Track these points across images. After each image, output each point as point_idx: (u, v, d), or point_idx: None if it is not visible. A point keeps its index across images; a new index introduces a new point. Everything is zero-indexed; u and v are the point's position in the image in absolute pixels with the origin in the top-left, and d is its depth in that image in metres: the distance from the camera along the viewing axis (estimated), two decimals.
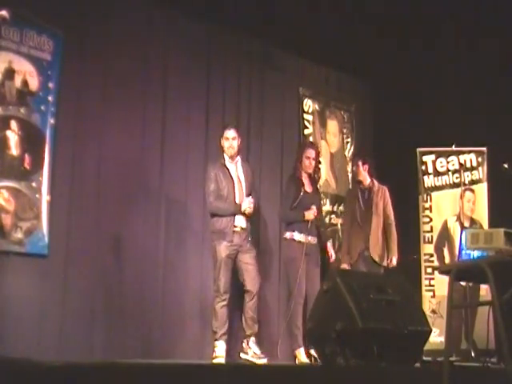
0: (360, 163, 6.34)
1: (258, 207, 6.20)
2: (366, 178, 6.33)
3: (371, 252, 6.13)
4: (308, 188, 6.09)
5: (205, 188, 5.71)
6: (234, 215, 5.54)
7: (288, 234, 5.95)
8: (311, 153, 6.14)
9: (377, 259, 6.13)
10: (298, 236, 5.89)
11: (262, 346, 5.83)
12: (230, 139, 5.69)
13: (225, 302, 5.47)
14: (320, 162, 6.33)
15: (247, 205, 5.56)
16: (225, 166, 5.68)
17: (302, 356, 5.72)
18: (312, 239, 5.96)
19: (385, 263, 6.16)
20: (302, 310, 5.79)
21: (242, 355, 5.49)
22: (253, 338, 5.55)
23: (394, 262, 6.14)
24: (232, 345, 5.73)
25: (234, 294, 5.69)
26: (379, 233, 6.20)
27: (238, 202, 5.59)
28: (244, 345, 5.55)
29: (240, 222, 5.59)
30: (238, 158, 5.77)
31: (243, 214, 5.56)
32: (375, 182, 6.37)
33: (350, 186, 7.04)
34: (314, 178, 6.21)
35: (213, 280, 5.63)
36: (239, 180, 5.70)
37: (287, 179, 6.35)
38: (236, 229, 5.55)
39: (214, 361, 5.35)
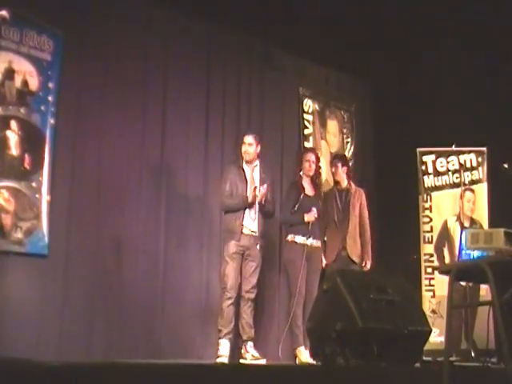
0: (339, 165, 6.35)
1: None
2: (343, 180, 6.34)
3: (349, 252, 6.14)
4: (309, 192, 6.08)
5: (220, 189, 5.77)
6: (245, 208, 5.58)
7: (290, 237, 5.96)
8: (311, 156, 6.15)
9: (355, 259, 6.15)
10: (299, 238, 5.90)
11: (262, 346, 5.85)
12: (247, 145, 5.75)
13: (231, 301, 5.49)
14: (320, 167, 6.34)
15: (252, 189, 5.58)
16: (241, 168, 5.75)
17: (302, 355, 5.72)
18: (314, 242, 5.96)
19: (363, 264, 6.19)
20: (302, 310, 5.80)
21: (242, 361, 5.50)
22: (250, 343, 5.58)
23: (368, 265, 6.17)
24: (237, 345, 5.73)
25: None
26: (356, 234, 6.22)
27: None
28: (242, 350, 5.58)
29: (249, 223, 5.61)
30: (257, 163, 5.81)
31: (255, 202, 5.57)
32: (352, 185, 6.39)
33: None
34: (315, 182, 6.21)
35: (220, 279, 5.66)
36: (253, 182, 5.72)
37: (288, 186, 6.35)
38: (244, 230, 5.57)
39: (217, 360, 5.36)
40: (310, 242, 5.92)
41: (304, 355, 5.68)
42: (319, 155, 6.43)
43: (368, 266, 6.15)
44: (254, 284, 5.64)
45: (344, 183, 6.34)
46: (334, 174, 6.44)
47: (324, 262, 6.10)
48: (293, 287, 5.84)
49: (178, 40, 6.29)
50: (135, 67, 5.94)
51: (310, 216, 5.89)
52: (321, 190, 6.34)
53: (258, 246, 5.64)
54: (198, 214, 6.22)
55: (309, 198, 6.02)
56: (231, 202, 5.65)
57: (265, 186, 5.61)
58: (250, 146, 5.75)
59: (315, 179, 6.20)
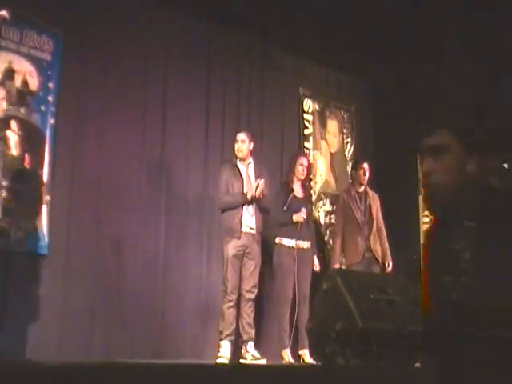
0: (368, 168, 6.35)
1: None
2: (365, 183, 6.38)
3: (374, 252, 6.20)
4: (299, 194, 6.07)
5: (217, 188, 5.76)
6: (243, 205, 5.57)
7: (277, 239, 5.92)
8: (304, 160, 6.15)
9: (380, 259, 6.22)
10: (286, 241, 5.87)
11: (262, 346, 5.85)
12: (239, 142, 5.74)
13: (231, 303, 5.48)
14: (311, 173, 6.35)
15: (255, 184, 5.58)
16: (236, 166, 5.75)
17: (287, 356, 5.72)
18: (303, 243, 5.93)
19: (386, 265, 6.27)
20: (288, 313, 5.76)
21: (242, 361, 5.50)
22: (250, 343, 5.56)
23: (390, 266, 6.24)
24: (238, 344, 5.72)
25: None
26: (377, 235, 6.28)
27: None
28: (242, 350, 5.57)
29: (247, 219, 5.60)
30: (251, 160, 5.80)
31: (253, 199, 5.57)
32: (367, 187, 6.43)
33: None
34: (305, 185, 6.21)
35: (221, 280, 5.65)
36: (249, 179, 5.72)
37: (278, 186, 6.34)
38: (244, 228, 5.57)
39: (218, 361, 5.36)
40: (298, 243, 5.89)
41: (289, 356, 5.71)
42: (310, 162, 6.41)
43: (390, 268, 6.21)
44: (255, 283, 5.62)
45: (363, 186, 6.36)
46: (360, 177, 6.37)
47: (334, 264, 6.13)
48: (281, 290, 5.82)
49: (178, 40, 6.29)
50: (135, 67, 5.94)
51: (299, 216, 5.86)
52: (310, 192, 6.35)
53: (255, 242, 5.63)
54: (197, 213, 6.22)
55: (298, 200, 6.01)
56: (229, 200, 5.63)
57: (262, 180, 5.61)
58: (242, 143, 5.74)
59: (305, 182, 6.20)
